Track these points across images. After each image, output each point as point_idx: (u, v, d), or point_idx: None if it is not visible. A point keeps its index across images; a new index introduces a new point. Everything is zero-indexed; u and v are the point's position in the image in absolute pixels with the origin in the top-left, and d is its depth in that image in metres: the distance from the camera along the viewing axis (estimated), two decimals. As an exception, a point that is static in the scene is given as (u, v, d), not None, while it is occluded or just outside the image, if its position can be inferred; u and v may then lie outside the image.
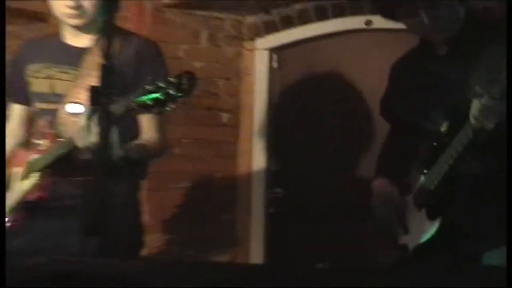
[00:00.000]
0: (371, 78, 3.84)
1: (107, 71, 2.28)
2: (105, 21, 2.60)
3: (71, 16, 2.82)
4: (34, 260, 1.97)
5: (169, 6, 4.22)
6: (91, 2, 2.81)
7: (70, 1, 2.77)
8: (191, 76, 2.33)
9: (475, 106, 2.44)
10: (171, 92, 2.32)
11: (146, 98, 2.36)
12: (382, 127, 3.26)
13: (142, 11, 4.18)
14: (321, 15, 4.18)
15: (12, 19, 4.00)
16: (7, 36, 3.61)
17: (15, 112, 3.16)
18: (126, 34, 2.83)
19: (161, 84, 2.32)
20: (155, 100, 2.36)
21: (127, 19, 3.88)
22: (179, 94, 2.31)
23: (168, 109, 2.38)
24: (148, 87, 2.32)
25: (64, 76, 2.95)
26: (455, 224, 2.71)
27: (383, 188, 2.97)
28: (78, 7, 2.79)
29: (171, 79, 2.32)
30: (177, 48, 4.24)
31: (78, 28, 2.88)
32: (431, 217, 2.74)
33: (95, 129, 2.43)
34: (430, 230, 2.74)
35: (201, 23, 4.38)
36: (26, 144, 3.11)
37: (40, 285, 1.58)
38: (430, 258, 2.77)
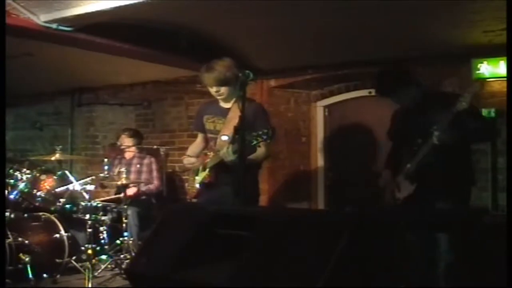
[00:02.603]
0: (374, 119, 5.05)
1: (240, 119, 2.85)
2: (238, 95, 3.35)
3: (217, 95, 3.62)
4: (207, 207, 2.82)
5: (274, 87, 5.83)
6: (226, 88, 3.54)
7: (214, 90, 3.55)
8: (273, 128, 3.10)
9: (434, 134, 3.15)
10: (264, 136, 3.03)
11: (253, 139, 3.04)
12: (386, 145, 3.96)
13: (261, 89, 5.80)
14: (347, 89, 5.79)
15: (200, 95, 5.71)
16: (201, 102, 4.82)
17: (199, 136, 3.93)
18: (249, 100, 3.30)
19: (260, 132, 3.05)
20: (257, 140, 3.05)
21: (254, 94, 5.46)
22: (268, 138, 3.03)
23: (265, 142, 3.05)
24: (255, 133, 3.05)
25: (219, 121, 3.70)
26: (422, 188, 3.40)
27: (388, 172, 3.71)
28: (219, 91, 3.58)
29: (265, 131, 3.01)
30: (278, 107, 5.81)
31: (223, 99, 3.64)
32: (411, 184, 3.46)
33: (231, 152, 3.27)
34: (410, 190, 3.45)
35: (290, 94, 5.97)
36: (203, 153, 3.85)
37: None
38: (410, 204, 3.46)
